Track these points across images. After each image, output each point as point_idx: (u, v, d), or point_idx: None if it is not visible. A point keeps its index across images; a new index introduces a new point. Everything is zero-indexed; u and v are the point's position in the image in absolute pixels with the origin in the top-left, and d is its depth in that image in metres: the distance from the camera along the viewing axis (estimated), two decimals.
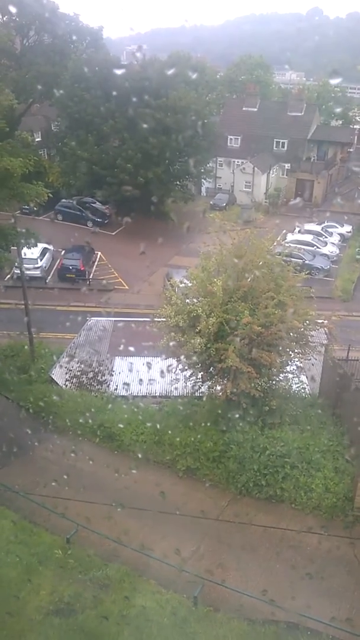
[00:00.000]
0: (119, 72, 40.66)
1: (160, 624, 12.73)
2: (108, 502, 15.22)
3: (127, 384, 20.82)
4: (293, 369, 18.39)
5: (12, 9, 44.03)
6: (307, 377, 20.00)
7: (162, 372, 19.56)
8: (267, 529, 15.48)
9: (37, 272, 33.66)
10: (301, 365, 18.54)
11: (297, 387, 19.02)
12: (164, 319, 17.04)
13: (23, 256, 22.90)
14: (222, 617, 13.06)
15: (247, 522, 15.61)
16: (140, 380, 20.86)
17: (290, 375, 18.11)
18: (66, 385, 21.06)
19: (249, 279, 16.29)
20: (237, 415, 16.52)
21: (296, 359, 17.81)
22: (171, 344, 16.71)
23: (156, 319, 17.91)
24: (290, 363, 17.78)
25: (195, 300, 16.65)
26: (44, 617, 12.92)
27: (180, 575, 13.84)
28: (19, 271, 25.55)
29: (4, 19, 45.65)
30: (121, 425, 18.40)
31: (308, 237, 39.44)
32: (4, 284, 31.03)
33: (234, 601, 13.31)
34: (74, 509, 15.28)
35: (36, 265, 33.53)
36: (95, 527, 14.72)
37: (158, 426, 17.87)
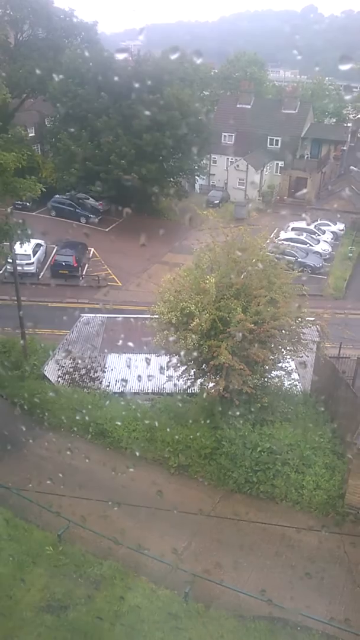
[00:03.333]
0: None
1: (151, 620, 12.77)
2: (101, 499, 15.21)
3: (121, 381, 20.79)
4: (287, 366, 18.44)
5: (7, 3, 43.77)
6: (299, 375, 20.06)
7: (153, 369, 19.58)
8: (259, 525, 15.54)
9: (30, 268, 33.52)
10: (300, 362, 18.53)
11: (290, 384, 19.09)
12: (157, 316, 17.03)
13: (16, 252, 22.78)
14: (213, 613, 13.12)
15: (239, 519, 15.65)
16: (134, 377, 20.84)
17: (283, 373, 18.16)
18: (59, 382, 21.01)
19: (242, 276, 16.30)
20: (229, 412, 16.57)
21: (289, 357, 17.87)
22: (164, 341, 16.71)
23: (150, 316, 17.90)
24: (282, 360, 17.83)
25: (188, 297, 16.64)
26: (36, 614, 12.93)
27: (172, 571, 13.89)
28: (11, 267, 25.44)
29: None
30: (117, 423, 18.40)
31: (301, 235, 39.51)
32: None
33: (225, 597, 13.38)
34: (67, 506, 15.24)
35: (29, 261, 33.37)
36: (89, 525, 14.70)
37: (152, 423, 17.89)
